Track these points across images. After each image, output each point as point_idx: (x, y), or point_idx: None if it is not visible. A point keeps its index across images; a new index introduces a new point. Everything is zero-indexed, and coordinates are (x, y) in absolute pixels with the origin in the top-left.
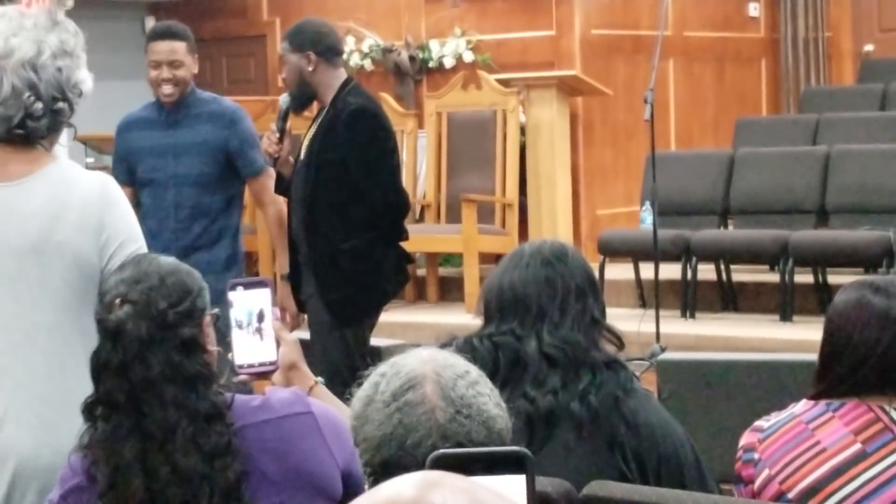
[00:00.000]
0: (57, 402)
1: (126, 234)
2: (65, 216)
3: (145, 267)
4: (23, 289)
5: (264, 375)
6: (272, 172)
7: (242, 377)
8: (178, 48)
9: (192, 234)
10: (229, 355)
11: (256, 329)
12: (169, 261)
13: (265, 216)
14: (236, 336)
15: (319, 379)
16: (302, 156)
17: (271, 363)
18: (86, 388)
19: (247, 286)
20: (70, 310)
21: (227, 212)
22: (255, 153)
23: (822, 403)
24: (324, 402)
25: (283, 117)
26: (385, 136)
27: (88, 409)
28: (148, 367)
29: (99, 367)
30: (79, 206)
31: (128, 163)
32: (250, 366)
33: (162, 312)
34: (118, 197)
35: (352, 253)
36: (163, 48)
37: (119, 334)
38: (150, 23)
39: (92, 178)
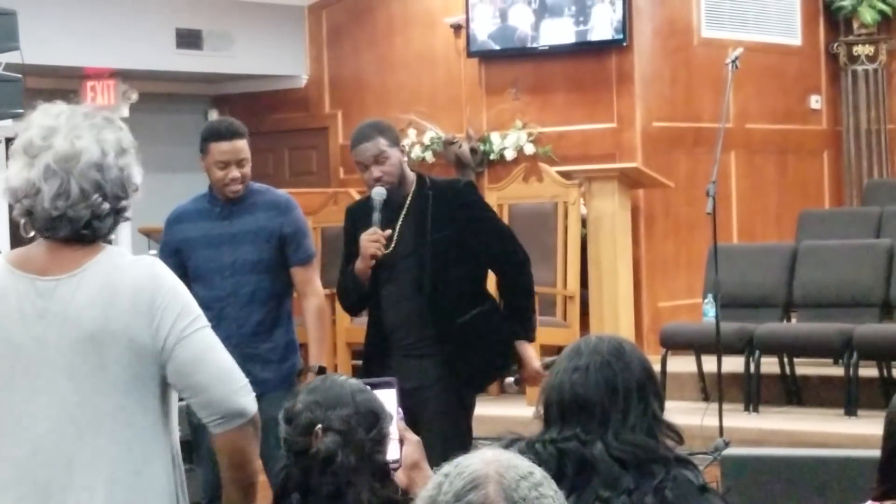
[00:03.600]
0: (127, 483)
1: (178, 309)
2: (118, 303)
3: (337, 391)
4: (83, 378)
5: None
6: (317, 265)
7: None
8: (243, 146)
9: (252, 322)
10: None
11: None
12: (353, 383)
13: (306, 307)
14: None
15: None
16: (394, 244)
17: (395, 462)
18: (154, 468)
19: (374, 386)
20: (131, 392)
21: (282, 299)
22: (307, 242)
23: None
24: None
25: (381, 210)
26: None
27: None
28: (358, 495)
29: (300, 490)
30: (131, 291)
31: (179, 255)
32: None
33: (362, 441)
34: (167, 276)
35: (476, 321)
36: (230, 148)
37: (330, 463)
38: (213, 116)
39: (141, 262)
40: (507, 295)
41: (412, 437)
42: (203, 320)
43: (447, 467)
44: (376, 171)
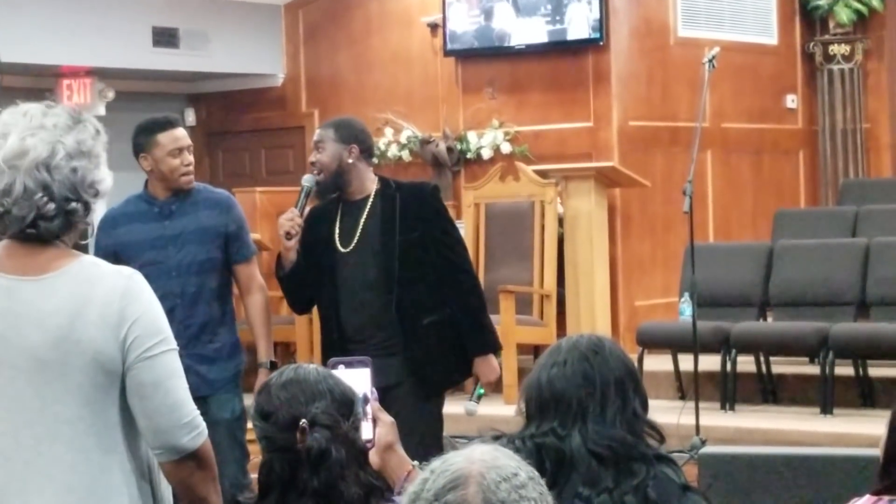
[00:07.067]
0: (83, 492)
1: (143, 329)
2: (86, 314)
3: (313, 382)
4: (44, 384)
5: None
6: (257, 261)
7: None
8: (186, 134)
9: (199, 322)
10: None
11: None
12: (323, 371)
13: (251, 304)
14: None
15: (415, 463)
16: (355, 242)
17: (367, 441)
18: (113, 478)
19: (348, 365)
20: (93, 403)
21: (226, 297)
22: (249, 239)
23: (886, 500)
24: None
25: (307, 196)
26: None
27: None
28: (350, 488)
29: (281, 486)
30: (100, 303)
31: (118, 259)
32: None
33: (346, 432)
34: (141, 291)
35: (437, 326)
36: (181, 134)
37: (324, 460)
38: (190, 114)
39: (116, 273)
40: (463, 307)
41: (386, 419)
42: (170, 343)
43: (435, 463)
44: (311, 156)
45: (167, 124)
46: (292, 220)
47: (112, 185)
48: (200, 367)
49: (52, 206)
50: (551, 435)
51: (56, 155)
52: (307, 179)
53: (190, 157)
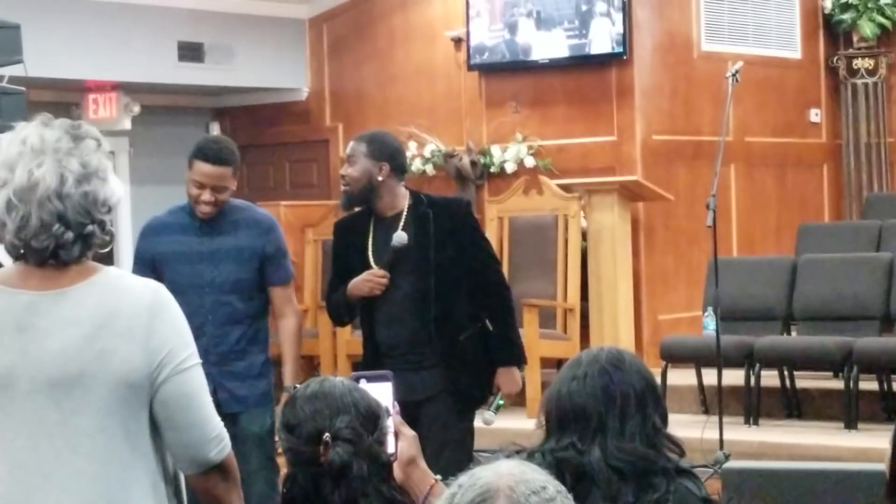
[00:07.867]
0: None
1: (174, 342)
2: (111, 325)
3: (338, 395)
4: (64, 396)
5: None
6: (293, 285)
7: None
8: (226, 174)
9: (230, 341)
10: None
11: None
12: (349, 385)
13: (283, 327)
14: None
15: (438, 477)
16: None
17: (390, 455)
18: (131, 492)
19: (370, 379)
20: (114, 415)
21: (260, 318)
22: (287, 262)
23: None
24: None
25: (396, 254)
26: None
27: None
28: (370, 502)
29: (306, 499)
30: (127, 314)
31: (154, 267)
32: None
33: (370, 446)
34: (168, 305)
35: (472, 341)
36: (210, 172)
37: (345, 474)
38: (215, 128)
39: (142, 286)
40: (493, 318)
41: (408, 433)
42: (196, 356)
43: (463, 477)
44: (342, 169)
45: (204, 156)
46: (385, 284)
47: (134, 197)
48: (230, 383)
49: (69, 234)
50: (571, 449)
51: (65, 183)
52: (401, 238)
53: (209, 196)
